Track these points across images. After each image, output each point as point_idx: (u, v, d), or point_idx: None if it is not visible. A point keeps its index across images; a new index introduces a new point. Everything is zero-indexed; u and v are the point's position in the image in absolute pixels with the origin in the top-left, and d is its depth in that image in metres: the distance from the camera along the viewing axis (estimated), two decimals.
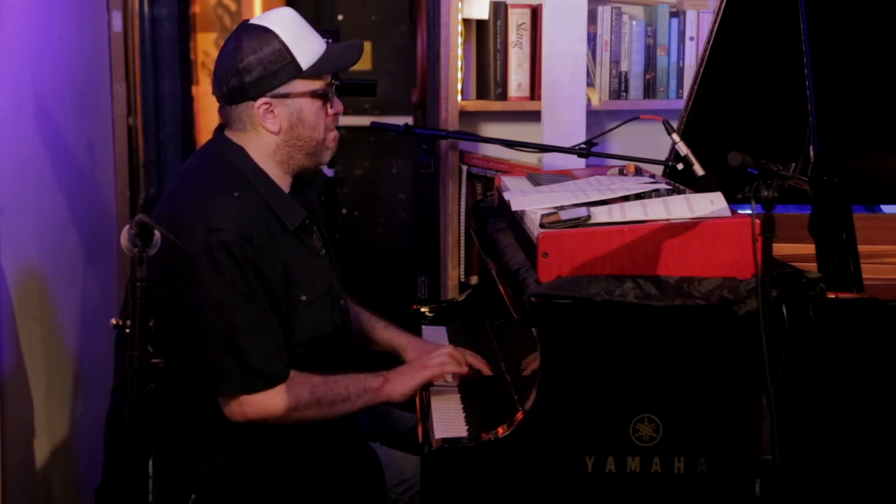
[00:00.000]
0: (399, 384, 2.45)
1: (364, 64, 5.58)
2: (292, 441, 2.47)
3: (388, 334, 2.80)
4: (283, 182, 2.52)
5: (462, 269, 3.73)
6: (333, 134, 2.55)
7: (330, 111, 2.51)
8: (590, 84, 3.68)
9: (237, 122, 2.48)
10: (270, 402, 2.36)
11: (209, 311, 2.32)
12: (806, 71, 2.40)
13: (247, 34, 2.44)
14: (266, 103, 2.44)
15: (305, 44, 2.45)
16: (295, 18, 2.47)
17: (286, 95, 2.44)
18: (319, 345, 2.50)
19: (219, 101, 2.50)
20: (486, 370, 2.59)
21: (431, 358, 2.51)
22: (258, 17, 2.49)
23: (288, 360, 2.40)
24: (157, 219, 2.42)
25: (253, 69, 2.41)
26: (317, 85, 2.48)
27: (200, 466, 2.44)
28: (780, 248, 2.56)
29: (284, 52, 2.42)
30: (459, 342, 2.83)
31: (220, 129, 2.55)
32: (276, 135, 2.46)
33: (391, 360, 2.66)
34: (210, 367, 2.35)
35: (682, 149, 2.90)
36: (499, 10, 3.71)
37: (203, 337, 2.34)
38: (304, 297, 2.46)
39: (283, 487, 2.47)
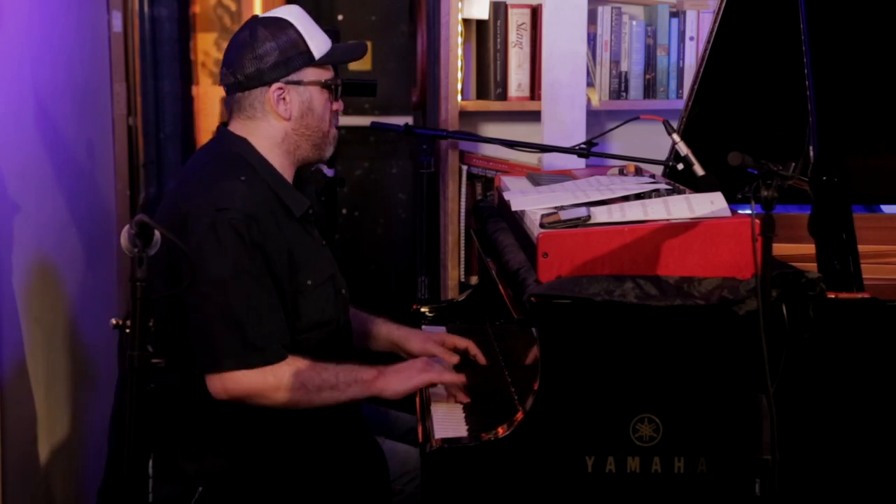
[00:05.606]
0: (394, 381, 2.44)
1: (364, 64, 5.57)
2: (300, 433, 2.48)
3: (385, 328, 2.82)
4: (287, 173, 2.56)
5: (462, 269, 3.73)
6: (335, 131, 2.61)
7: (333, 106, 2.57)
8: (590, 84, 3.68)
9: (248, 109, 2.52)
10: (255, 379, 2.37)
11: (212, 288, 2.34)
12: (806, 71, 2.40)
13: (261, 24, 2.50)
14: (280, 89, 2.49)
15: (317, 35, 2.53)
16: (304, 13, 2.55)
17: (299, 82, 2.50)
18: (323, 334, 2.52)
19: (228, 90, 2.54)
20: (482, 359, 2.67)
21: (434, 364, 2.51)
22: (268, 13, 2.56)
23: (289, 343, 2.42)
24: (164, 211, 2.47)
25: (269, 55, 2.47)
26: (326, 75, 2.55)
27: (209, 458, 2.45)
28: (780, 248, 2.55)
29: (300, 40, 2.49)
30: None
31: (221, 126, 2.59)
32: (286, 121, 2.51)
33: (393, 359, 2.65)
34: (210, 343, 2.36)
35: (682, 149, 2.90)
36: (499, 10, 3.71)
37: (205, 313, 2.36)
38: (309, 282, 2.48)
39: (290, 479, 2.47)
